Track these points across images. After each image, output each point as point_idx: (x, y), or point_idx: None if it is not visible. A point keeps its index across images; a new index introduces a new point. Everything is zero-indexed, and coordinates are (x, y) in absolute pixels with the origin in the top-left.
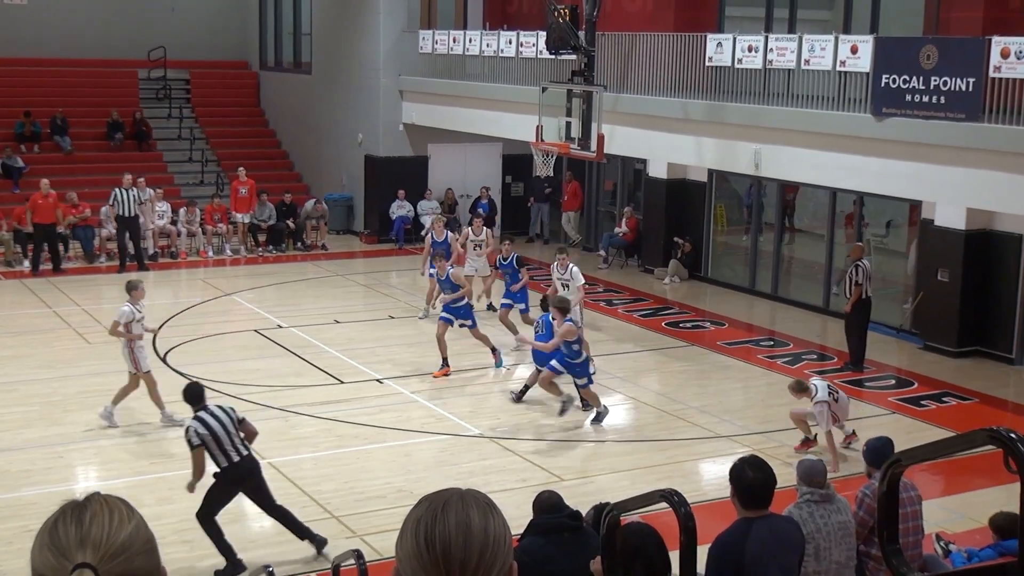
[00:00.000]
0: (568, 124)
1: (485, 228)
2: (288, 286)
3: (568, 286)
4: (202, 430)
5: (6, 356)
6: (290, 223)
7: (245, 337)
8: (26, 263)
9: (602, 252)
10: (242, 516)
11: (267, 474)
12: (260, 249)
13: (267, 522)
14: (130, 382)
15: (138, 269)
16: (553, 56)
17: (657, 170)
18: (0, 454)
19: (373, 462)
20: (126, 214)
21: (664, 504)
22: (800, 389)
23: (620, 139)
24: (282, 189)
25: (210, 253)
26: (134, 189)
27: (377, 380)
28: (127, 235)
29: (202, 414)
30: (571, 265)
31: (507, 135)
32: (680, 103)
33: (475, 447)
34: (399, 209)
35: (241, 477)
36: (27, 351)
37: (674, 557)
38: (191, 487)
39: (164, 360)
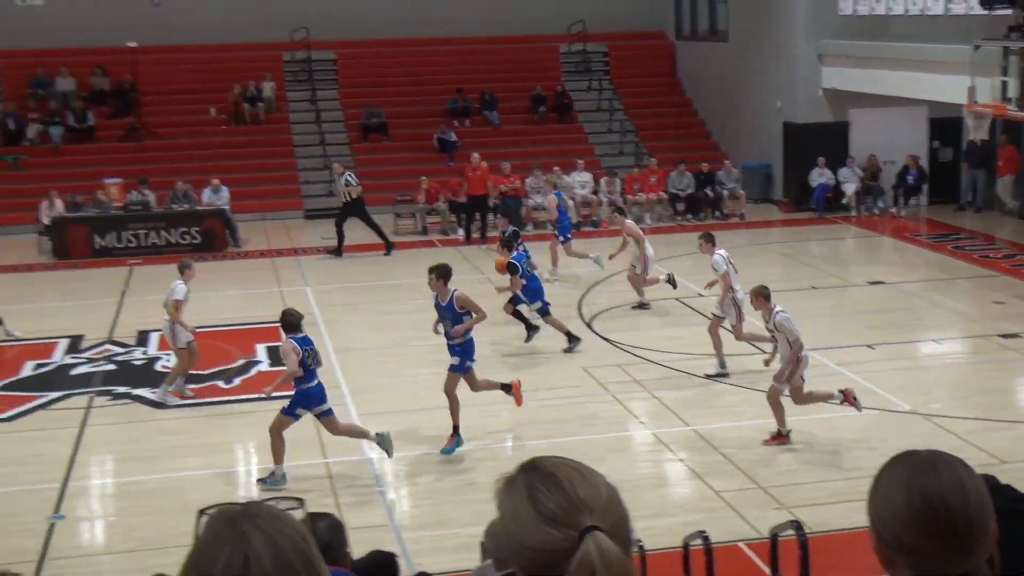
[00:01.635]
0: (1004, 84)
1: (619, 218)
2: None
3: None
4: None
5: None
6: (708, 192)
7: (666, 304)
8: (460, 231)
9: None
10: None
11: (688, 440)
12: (679, 218)
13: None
14: (181, 358)
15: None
16: (987, 12)
17: None
18: (426, 412)
19: (794, 434)
20: (347, 199)
21: None
22: (762, 294)
23: None
24: (700, 158)
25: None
26: (341, 177)
27: None
28: (358, 219)
29: None
30: (714, 253)
31: (934, 98)
32: None
33: (905, 424)
34: (819, 177)
35: None
36: None
37: None
38: None
39: (589, 326)
